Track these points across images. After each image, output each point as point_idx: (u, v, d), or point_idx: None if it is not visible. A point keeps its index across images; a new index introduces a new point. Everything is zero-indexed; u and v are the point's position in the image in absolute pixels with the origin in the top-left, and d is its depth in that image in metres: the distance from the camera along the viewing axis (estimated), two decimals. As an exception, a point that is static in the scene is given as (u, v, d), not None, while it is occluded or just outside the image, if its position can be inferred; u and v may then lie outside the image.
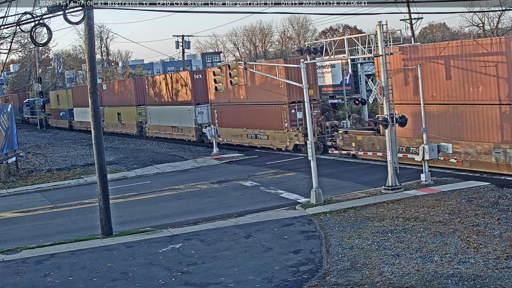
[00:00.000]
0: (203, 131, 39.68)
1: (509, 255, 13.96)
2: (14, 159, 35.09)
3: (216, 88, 25.79)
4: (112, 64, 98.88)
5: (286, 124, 33.67)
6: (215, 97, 39.71)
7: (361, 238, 16.56)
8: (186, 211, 22.67)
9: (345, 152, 30.33)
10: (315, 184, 21.46)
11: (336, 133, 31.31)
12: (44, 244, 18.82)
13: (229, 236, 18.09)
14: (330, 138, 31.73)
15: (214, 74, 25.70)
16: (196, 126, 42.27)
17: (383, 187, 22.54)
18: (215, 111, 40.26)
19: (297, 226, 18.65)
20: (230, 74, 24.14)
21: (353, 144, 30.13)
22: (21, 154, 38.82)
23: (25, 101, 79.42)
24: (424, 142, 23.53)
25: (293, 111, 33.41)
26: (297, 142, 33.02)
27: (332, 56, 24.95)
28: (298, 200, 22.57)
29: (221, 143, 38.66)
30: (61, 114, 68.60)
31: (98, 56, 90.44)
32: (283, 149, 34.27)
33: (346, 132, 30.65)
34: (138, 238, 18.71)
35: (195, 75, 42.80)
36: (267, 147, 35.77)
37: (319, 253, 15.67)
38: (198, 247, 17.16)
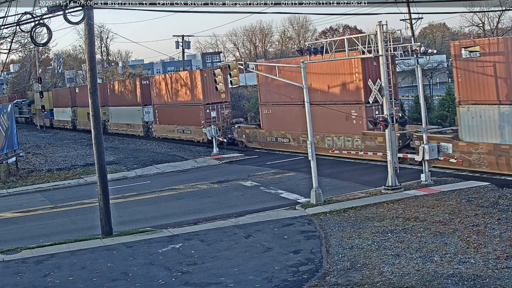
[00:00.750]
0: (203, 131, 39.77)
1: (509, 255, 13.96)
2: (14, 159, 35.08)
3: (216, 88, 25.80)
4: (112, 64, 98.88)
5: (203, 121, 40.55)
6: (156, 99, 47.20)
7: (361, 238, 16.56)
8: (186, 211, 22.68)
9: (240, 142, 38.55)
10: (315, 184, 21.46)
11: (233, 127, 39.12)
12: (44, 244, 18.82)
13: (229, 236, 18.09)
14: (229, 131, 39.23)
15: (215, 75, 25.69)
16: (143, 123, 49.85)
17: (383, 187, 22.54)
18: (156, 111, 47.51)
19: (297, 226, 18.66)
20: (230, 74, 24.13)
21: (244, 136, 38.42)
22: (21, 154, 38.82)
23: (14, 102, 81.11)
24: (424, 142, 23.56)
25: (207, 110, 40.68)
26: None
27: (332, 56, 24.92)
28: (298, 200, 22.58)
29: (157, 137, 47.06)
30: (43, 114, 74.65)
31: (98, 56, 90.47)
32: (201, 141, 41.25)
33: (239, 127, 38.92)
34: (138, 238, 18.71)
35: (143, 81, 50.53)
36: (190, 140, 42.83)
37: (319, 253, 15.68)
38: (198, 247, 17.16)
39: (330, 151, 31.02)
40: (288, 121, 34.06)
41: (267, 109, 36.16)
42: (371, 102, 23.81)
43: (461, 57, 24.05)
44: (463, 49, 23.96)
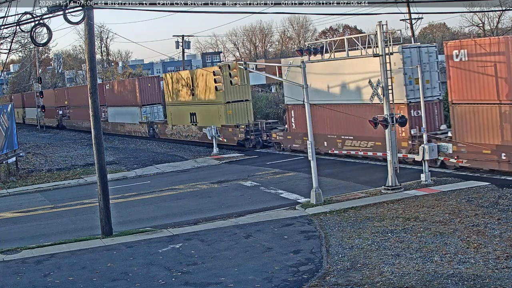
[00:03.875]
0: (203, 131, 39.68)
1: (509, 255, 13.96)
2: (14, 159, 35.08)
3: (216, 88, 25.80)
4: (112, 64, 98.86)
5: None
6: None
7: (361, 238, 16.56)
8: (186, 211, 22.67)
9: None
10: (315, 184, 21.46)
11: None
12: (44, 244, 18.82)
13: (229, 236, 18.09)
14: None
15: (214, 74, 25.68)
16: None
17: (383, 187, 22.54)
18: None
19: (297, 226, 18.65)
20: (230, 74, 24.13)
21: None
22: (21, 154, 38.81)
23: None
24: (424, 142, 23.56)
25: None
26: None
27: (332, 56, 24.92)
28: (298, 200, 22.57)
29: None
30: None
31: (98, 56, 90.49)
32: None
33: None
34: (138, 238, 18.70)
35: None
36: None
37: (319, 253, 15.67)
38: (198, 247, 17.16)
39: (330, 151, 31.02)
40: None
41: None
42: (371, 102, 23.79)
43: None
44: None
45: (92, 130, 19.81)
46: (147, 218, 21.99)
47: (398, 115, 22.78)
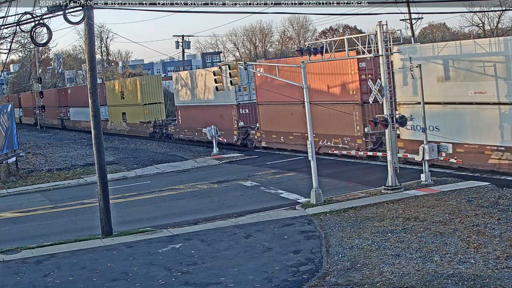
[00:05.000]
0: (203, 131, 39.75)
1: (509, 255, 13.96)
2: (14, 159, 35.07)
3: (216, 88, 25.77)
4: (112, 64, 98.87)
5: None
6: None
7: (361, 238, 16.56)
8: (186, 211, 22.68)
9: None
10: (315, 184, 21.46)
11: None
12: (44, 244, 18.82)
13: (229, 236, 18.09)
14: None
15: (215, 74, 25.66)
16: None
17: (383, 187, 22.54)
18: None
19: (297, 226, 18.65)
20: (230, 74, 24.11)
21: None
22: (21, 154, 38.81)
23: None
24: (424, 142, 23.55)
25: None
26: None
27: (332, 56, 24.93)
28: (298, 200, 22.58)
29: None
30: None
31: (98, 56, 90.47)
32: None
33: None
34: (138, 238, 18.71)
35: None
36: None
37: (319, 253, 15.68)
38: (198, 247, 17.16)
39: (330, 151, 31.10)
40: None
41: None
42: (371, 102, 23.81)
43: None
44: None
45: (92, 130, 19.82)
46: (147, 218, 22.00)
47: (398, 115, 22.77)
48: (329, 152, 31.03)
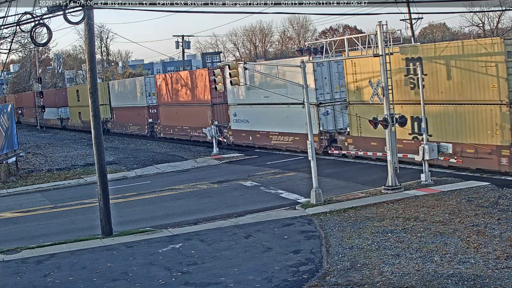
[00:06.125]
0: (203, 131, 39.78)
1: (509, 255, 13.96)
2: (14, 159, 35.07)
3: (215, 88, 25.76)
4: (112, 64, 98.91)
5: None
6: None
7: (361, 238, 16.56)
8: (186, 211, 22.68)
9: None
10: (315, 184, 21.46)
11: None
12: (44, 244, 18.82)
13: (229, 236, 18.09)
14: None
15: (214, 74, 25.66)
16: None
17: (383, 187, 22.54)
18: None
19: (297, 226, 18.65)
20: (230, 74, 24.10)
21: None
22: (21, 154, 38.81)
23: None
24: (424, 142, 23.55)
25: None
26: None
27: (332, 56, 24.94)
28: (298, 200, 22.57)
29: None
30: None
31: (98, 56, 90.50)
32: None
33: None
34: (138, 238, 18.71)
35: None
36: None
37: (319, 253, 15.67)
38: (198, 247, 17.16)
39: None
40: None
41: None
42: (371, 102, 23.80)
43: None
44: None
45: (92, 130, 19.81)
46: (147, 218, 21.99)
47: (399, 115, 22.77)
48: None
